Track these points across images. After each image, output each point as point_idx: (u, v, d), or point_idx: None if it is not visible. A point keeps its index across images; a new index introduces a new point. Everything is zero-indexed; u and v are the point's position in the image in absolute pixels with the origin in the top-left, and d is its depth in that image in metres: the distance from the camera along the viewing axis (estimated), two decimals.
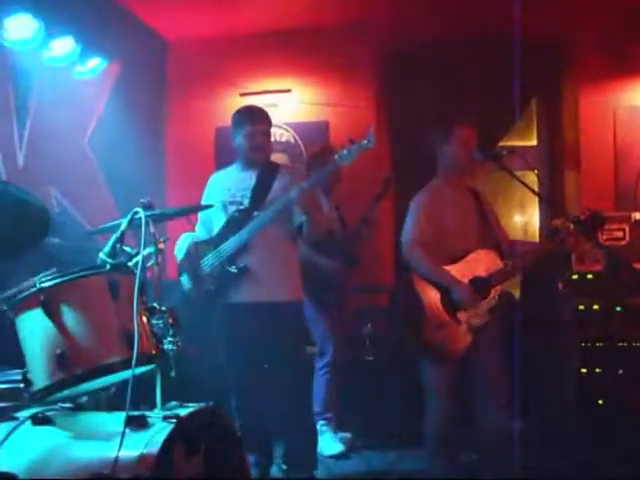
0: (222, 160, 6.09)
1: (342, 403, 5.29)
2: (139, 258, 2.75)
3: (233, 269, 4.10)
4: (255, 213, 4.13)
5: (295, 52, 6.58)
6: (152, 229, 2.90)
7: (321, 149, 5.50)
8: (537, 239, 6.62)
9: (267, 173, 4.28)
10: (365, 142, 3.90)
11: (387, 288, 5.29)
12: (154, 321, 2.82)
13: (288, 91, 6.66)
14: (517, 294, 5.71)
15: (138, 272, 2.70)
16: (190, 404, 2.74)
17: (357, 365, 5.59)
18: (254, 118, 4.26)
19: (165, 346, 2.82)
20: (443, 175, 4.21)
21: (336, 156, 3.95)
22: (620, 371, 4.97)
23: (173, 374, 2.81)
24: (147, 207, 2.98)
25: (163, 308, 2.86)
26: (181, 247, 4.26)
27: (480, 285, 3.99)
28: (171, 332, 2.84)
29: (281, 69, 6.66)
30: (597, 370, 5.04)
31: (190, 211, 4.03)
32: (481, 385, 4.03)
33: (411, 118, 6.15)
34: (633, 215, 5.30)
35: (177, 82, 6.76)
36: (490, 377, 4.02)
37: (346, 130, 6.14)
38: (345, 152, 3.92)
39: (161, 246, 3.00)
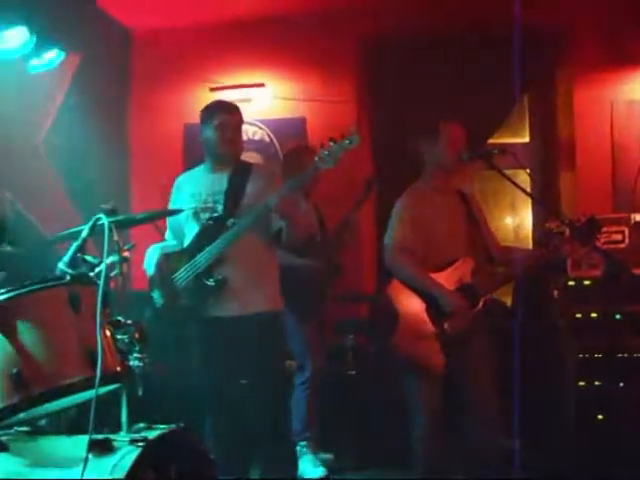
0: (191, 159, 6.07)
1: (323, 421, 5.29)
2: (102, 268, 2.74)
3: (210, 282, 4.08)
4: (230, 221, 4.12)
5: (270, 43, 6.58)
6: (116, 236, 2.89)
7: (297, 148, 5.51)
8: (530, 242, 6.66)
9: (240, 174, 4.26)
10: (347, 141, 3.88)
11: (370, 297, 5.31)
12: (119, 336, 2.81)
13: (262, 85, 6.66)
14: (509, 302, 5.78)
15: (101, 283, 2.69)
16: (159, 426, 2.74)
17: (339, 380, 5.60)
18: (223, 108, 4.27)
19: (131, 363, 2.81)
20: (429, 176, 4.23)
21: (316, 158, 3.92)
22: (621, 384, 4.99)
23: (140, 393, 2.80)
24: (110, 212, 2.97)
25: (129, 322, 2.85)
26: (150, 261, 4.23)
27: (468, 294, 4.02)
28: (138, 348, 2.84)
29: (254, 61, 6.67)
30: (596, 383, 5.07)
31: (158, 216, 4.01)
32: (469, 399, 4.06)
33: (395, 115, 6.18)
34: (633, 216, 5.32)
35: (142, 75, 6.76)
36: (478, 391, 4.05)
37: (324, 127, 6.19)
38: (326, 153, 3.89)
39: (126, 254, 2.99)
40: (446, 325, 3.96)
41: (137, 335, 2.84)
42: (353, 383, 5.61)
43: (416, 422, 4.10)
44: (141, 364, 2.83)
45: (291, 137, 6.43)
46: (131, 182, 6.79)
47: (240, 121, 4.31)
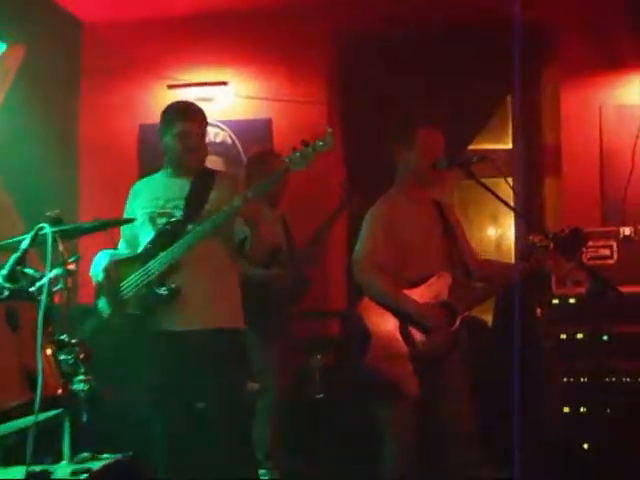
0: (147, 164, 6.07)
1: (288, 449, 5.28)
2: (44, 282, 2.72)
3: (163, 291, 4.07)
4: (190, 226, 4.11)
5: (233, 37, 6.60)
6: (60, 247, 2.87)
7: (262, 152, 5.51)
8: (512, 255, 6.71)
9: (203, 181, 4.25)
10: (321, 143, 3.88)
11: (339, 314, 5.32)
12: (62, 357, 2.79)
13: (224, 83, 6.66)
14: (489, 321, 5.81)
15: (43, 298, 2.67)
16: (105, 455, 2.72)
17: (305, 404, 5.60)
18: (187, 115, 4.24)
19: (75, 386, 2.79)
20: (403, 184, 4.24)
21: (287, 159, 3.91)
22: (608, 410, 5.02)
23: (85, 419, 2.78)
24: (54, 221, 2.95)
25: (73, 341, 2.84)
26: (98, 266, 4.21)
27: (445, 311, 4.03)
28: (82, 369, 2.82)
29: (216, 57, 6.68)
30: (582, 409, 5.10)
31: (108, 225, 3.99)
32: (444, 425, 4.07)
33: (368, 117, 6.20)
34: (622, 230, 5.36)
35: (93, 71, 6.72)
36: (455, 417, 4.06)
37: (292, 129, 6.22)
38: (298, 155, 3.90)
39: (71, 267, 2.98)
40: (420, 342, 3.97)
41: (82, 355, 2.82)
42: (321, 408, 5.61)
43: (387, 451, 4.10)
44: (86, 387, 2.81)
45: (256, 140, 6.43)
46: (80, 187, 6.74)
47: (204, 127, 4.30)
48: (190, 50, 6.61)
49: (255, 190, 4.00)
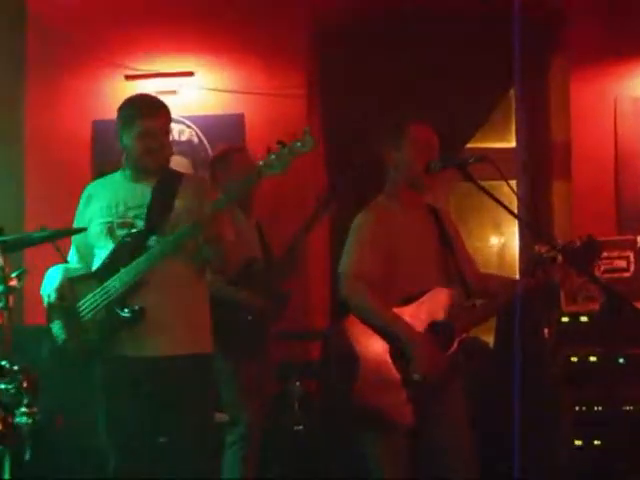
0: (102, 165, 6.05)
1: None
2: None
3: (125, 313, 4.05)
4: (153, 239, 4.10)
5: (200, 23, 6.60)
6: (1, 261, 2.86)
7: (226, 149, 5.47)
8: (516, 268, 6.73)
9: (166, 186, 4.24)
10: (299, 145, 3.87)
11: (321, 334, 5.31)
12: (2, 386, 2.78)
13: (190, 74, 6.66)
14: (490, 342, 5.81)
15: None
16: None
17: (281, 437, 5.59)
18: (148, 112, 4.23)
19: (17, 419, 2.77)
20: (393, 189, 4.24)
21: (260, 163, 3.92)
22: (626, 444, 5.02)
23: (28, 457, 2.77)
24: None
25: (15, 367, 2.82)
26: (50, 285, 4.18)
27: (441, 332, 4.04)
28: (26, 400, 2.81)
29: (181, 44, 6.66)
30: (595, 442, 5.11)
31: (58, 235, 3.99)
32: (441, 460, 4.07)
33: (353, 113, 6.21)
34: (639, 239, 5.40)
35: (40, 61, 6.70)
36: (453, 450, 4.06)
37: (267, 126, 6.23)
38: (273, 157, 3.90)
39: (13, 283, 2.97)
40: (415, 375, 3.97)
41: (25, 384, 2.81)
42: (300, 441, 5.60)
43: None
44: (30, 420, 2.79)
45: (226, 137, 6.41)
46: (25, 192, 6.71)
47: (167, 124, 4.28)
48: (150, 36, 6.61)
49: (226, 199, 3.99)
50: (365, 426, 4.10)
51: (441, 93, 6.05)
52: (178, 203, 4.18)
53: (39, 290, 4.18)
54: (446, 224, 4.34)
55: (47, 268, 4.23)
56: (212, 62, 6.70)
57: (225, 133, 6.56)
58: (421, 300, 4.09)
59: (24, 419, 2.79)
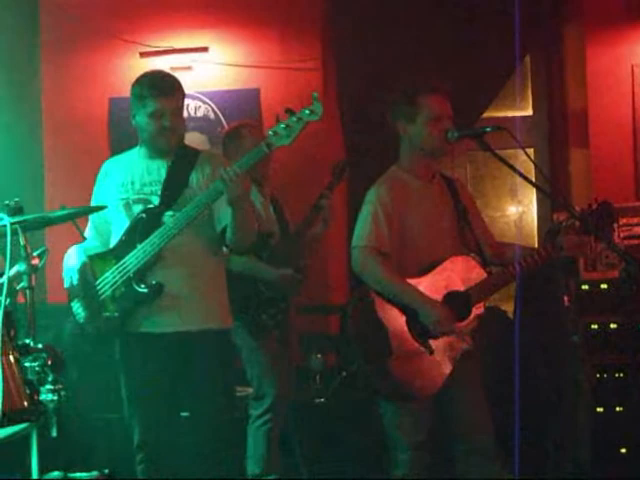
0: (119, 142, 6.09)
1: (287, 461, 5.31)
2: (4, 280, 2.74)
3: (143, 288, 4.08)
4: (168, 214, 4.12)
5: None
6: (22, 240, 2.89)
7: (238, 125, 5.45)
8: (535, 237, 6.72)
9: (183, 162, 4.25)
10: (307, 112, 3.86)
11: (339, 308, 5.33)
12: (27, 364, 2.82)
13: (205, 50, 6.66)
14: (510, 311, 5.81)
15: (2, 298, 2.69)
16: (78, 474, 2.74)
17: (304, 410, 5.62)
18: (161, 90, 4.22)
19: (43, 397, 2.81)
20: (407, 160, 4.23)
21: (269, 132, 3.91)
22: None
23: (55, 434, 2.81)
24: (15, 211, 2.97)
25: (39, 346, 2.86)
26: (71, 265, 4.22)
27: (458, 302, 4.04)
28: (51, 378, 2.84)
29: (194, 20, 6.66)
30: (617, 409, 5.12)
31: (78, 214, 4.01)
32: (461, 431, 4.11)
33: (368, 85, 6.18)
34: None
35: (54, 40, 6.73)
36: (473, 421, 4.09)
37: (283, 101, 6.17)
38: (282, 127, 3.88)
39: (35, 262, 3.00)
40: (431, 342, 3.99)
41: (50, 362, 2.84)
42: (321, 413, 5.63)
43: (398, 459, 4.14)
44: (56, 397, 2.83)
45: (242, 113, 6.42)
46: (45, 172, 6.76)
47: (181, 102, 4.27)
48: (164, 12, 6.61)
49: (242, 164, 3.97)
50: (387, 396, 4.13)
51: (456, 62, 6.02)
52: (193, 179, 4.20)
53: (60, 269, 4.24)
54: (462, 194, 4.34)
55: (68, 247, 4.29)
56: (226, 37, 6.70)
57: (241, 108, 6.56)
58: (437, 270, 4.09)
59: (50, 396, 2.83)
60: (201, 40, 6.67)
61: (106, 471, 2.79)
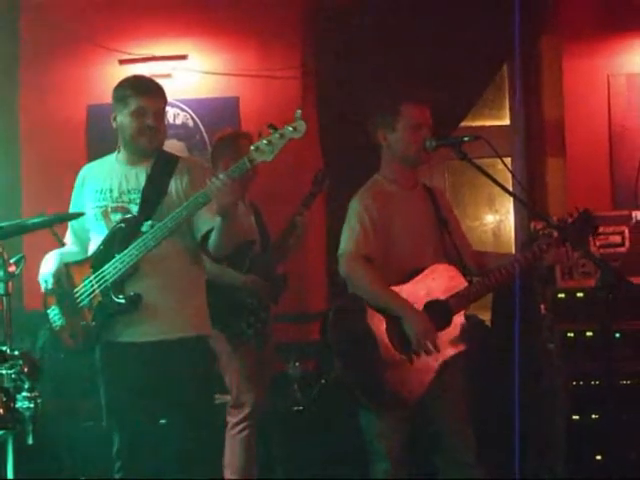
0: (96, 149, 6.04)
1: (263, 469, 5.28)
2: None
3: (120, 299, 4.06)
4: (147, 223, 4.10)
5: (193, 5, 6.58)
6: None
7: (231, 133, 5.47)
8: (512, 244, 6.74)
9: (161, 169, 4.23)
10: (290, 129, 3.83)
11: (318, 316, 5.32)
12: (3, 371, 2.79)
13: (184, 57, 6.65)
14: (487, 319, 5.83)
15: None
16: None
17: (282, 418, 5.60)
18: (144, 90, 4.21)
19: (19, 404, 2.78)
20: (388, 169, 4.26)
21: (252, 147, 3.90)
22: (624, 417, 5.03)
23: (31, 441, 2.78)
24: None
25: (15, 353, 2.83)
26: (47, 271, 4.20)
27: (438, 311, 4.06)
28: (27, 384, 2.81)
29: (174, 28, 6.65)
30: (593, 416, 5.13)
31: (54, 221, 3.98)
32: (442, 440, 4.10)
33: (347, 94, 6.19)
34: (634, 214, 5.40)
35: (34, 46, 6.68)
36: (454, 430, 4.10)
37: (262, 109, 6.23)
38: (264, 143, 3.87)
39: (12, 270, 2.97)
40: (414, 351, 4.00)
41: (26, 369, 2.82)
42: (299, 422, 5.62)
43: (377, 469, 4.13)
44: (32, 405, 2.80)
45: (221, 121, 6.42)
46: (21, 178, 6.71)
47: (163, 105, 4.26)
48: (143, 20, 6.59)
49: (229, 174, 3.91)
50: (367, 404, 4.12)
51: (435, 71, 6.03)
52: (173, 187, 4.18)
53: (37, 275, 4.21)
54: (441, 203, 4.36)
55: (44, 254, 4.26)
56: (206, 45, 6.69)
57: (220, 116, 6.56)
58: (418, 278, 4.12)
59: (26, 403, 2.80)
60: (181, 48, 6.66)
61: (82, 478, 2.76)
